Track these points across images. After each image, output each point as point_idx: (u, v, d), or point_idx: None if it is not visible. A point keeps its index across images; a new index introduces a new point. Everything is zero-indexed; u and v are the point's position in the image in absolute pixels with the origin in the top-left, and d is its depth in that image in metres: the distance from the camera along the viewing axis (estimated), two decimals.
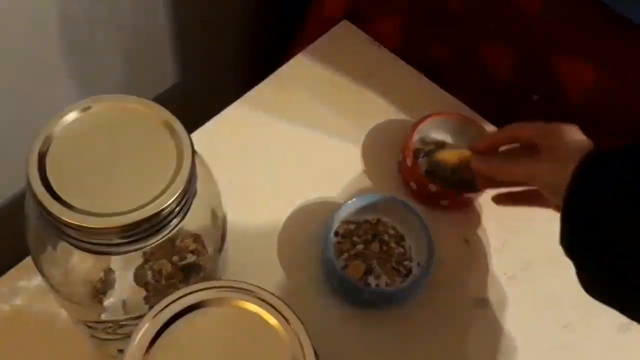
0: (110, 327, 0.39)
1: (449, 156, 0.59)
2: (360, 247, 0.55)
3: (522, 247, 0.60)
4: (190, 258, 0.38)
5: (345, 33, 0.73)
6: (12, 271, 0.51)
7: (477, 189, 0.59)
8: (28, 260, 0.50)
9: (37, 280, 0.50)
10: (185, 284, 0.36)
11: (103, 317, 0.38)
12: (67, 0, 0.56)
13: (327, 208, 0.58)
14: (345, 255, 0.55)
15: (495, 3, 0.63)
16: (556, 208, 0.46)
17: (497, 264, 0.59)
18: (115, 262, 0.36)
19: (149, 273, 0.37)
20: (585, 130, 0.64)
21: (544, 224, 0.62)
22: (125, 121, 0.33)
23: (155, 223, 0.31)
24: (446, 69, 0.72)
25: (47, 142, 0.32)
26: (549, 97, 0.65)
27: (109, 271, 0.36)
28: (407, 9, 0.72)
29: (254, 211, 0.58)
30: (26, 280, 0.50)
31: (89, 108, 0.33)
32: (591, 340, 0.56)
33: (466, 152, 0.57)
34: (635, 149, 0.40)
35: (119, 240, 0.31)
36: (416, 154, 0.62)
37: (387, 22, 0.73)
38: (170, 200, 0.31)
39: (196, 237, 0.38)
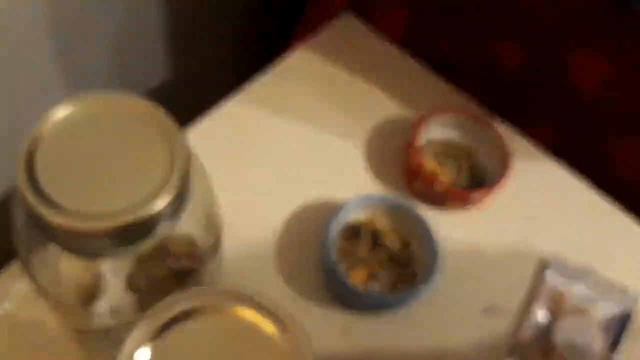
0: (100, 334, 0.39)
1: None
2: (362, 251, 0.55)
3: (534, 251, 0.59)
4: (184, 262, 0.37)
5: (348, 26, 0.72)
6: (2, 274, 0.50)
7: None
8: (17, 263, 0.49)
9: (26, 285, 0.50)
10: (179, 290, 0.36)
11: (93, 323, 0.38)
12: None
13: (328, 209, 0.57)
14: (347, 260, 0.54)
15: None
16: None
17: (508, 269, 0.58)
18: (106, 266, 0.35)
19: (141, 278, 0.36)
20: (598, 126, 0.64)
21: (559, 225, 0.61)
22: (116, 119, 0.33)
23: (147, 225, 0.30)
24: (453, 62, 0.71)
25: (36, 141, 0.31)
26: (562, 93, 0.65)
27: (99, 275, 0.36)
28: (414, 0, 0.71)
29: (251, 213, 0.57)
30: (16, 284, 0.50)
31: (79, 106, 0.33)
32: None
33: None
34: None
35: (109, 243, 0.30)
36: (421, 152, 0.61)
37: (392, 12, 0.73)
38: (163, 202, 0.30)
39: (190, 241, 0.37)
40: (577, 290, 0.54)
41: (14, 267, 0.50)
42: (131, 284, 0.36)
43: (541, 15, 0.61)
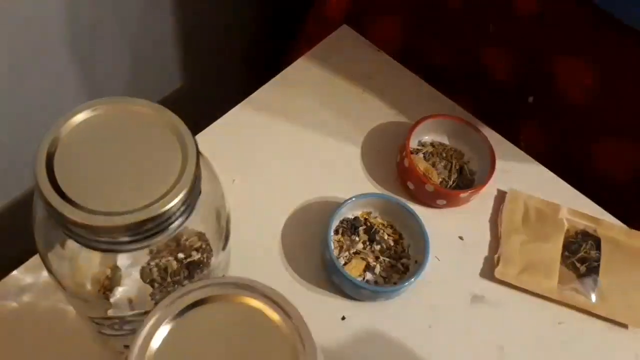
0: (116, 323, 0.40)
1: None
2: (359, 245, 0.56)
3: None
4: (195, 256, 0.38)
5: (345, 37, 0.74)
6: (21, 268, 0.51)
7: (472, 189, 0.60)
8: (36, 257, 0.51)
9: (44, 278, 0.50)
10: (190, 281, 0.37)
11: (109, 313, 0.39)
12: (73, 2, 0.56)
13: (328, 207, 0.59)
14: (346, 253, 0.56)
15: (495, 4, 0.63)
16: None
17: (492, 262, 0.59)
18: (121, 259, 0.36)
19: (155, 270, 0.37)
20: (584, 132, 0.65)
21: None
22: (131, 123, 0.34)
23: (160, 222, 0.31)
24: (445, 70, 0.72)
25: (55, 143, 0.32)
26: (548, 98, 0.66)
27: (115, 268, 0.37)
28: (407, 10, 0.72)
29: (256, 210, 0.59)
30: (34, 277, 0.51)
31: (95, 110, 0.33)
32: (585, 338, 0.57)
33: None
34: None
35: (125, 239, 0.31)
36: (414, 154, 0.62)
37: (387, 24, 0.74)
38: (176, 200, 0.31)
39: (201, 236, 0.38)
40: None
41: (33, 262, 0.51)
42: (145, 276, 0.37)
43: (528, 24, 0.61)
